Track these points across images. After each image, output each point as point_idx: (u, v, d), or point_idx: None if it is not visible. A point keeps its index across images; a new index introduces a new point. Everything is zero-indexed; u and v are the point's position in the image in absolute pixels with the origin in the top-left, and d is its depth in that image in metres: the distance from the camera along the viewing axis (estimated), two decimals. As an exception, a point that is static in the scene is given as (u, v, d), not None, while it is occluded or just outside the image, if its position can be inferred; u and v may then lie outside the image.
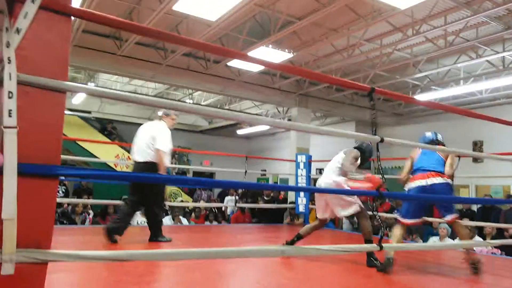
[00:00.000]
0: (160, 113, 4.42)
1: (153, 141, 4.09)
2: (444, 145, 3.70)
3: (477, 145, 10.22)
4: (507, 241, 4.97)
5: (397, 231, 3.52)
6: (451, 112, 3.63)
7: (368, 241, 3.56)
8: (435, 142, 3.73)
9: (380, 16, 6.14)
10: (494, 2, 5.76)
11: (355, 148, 3.94)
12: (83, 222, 6.72)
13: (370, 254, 3.47)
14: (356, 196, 3.67)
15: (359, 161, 3.87)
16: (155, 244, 4.11)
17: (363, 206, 3.66)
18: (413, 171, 3.60)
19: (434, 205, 3.63)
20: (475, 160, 9.80)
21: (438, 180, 3.39)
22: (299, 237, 3.95)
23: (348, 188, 3.64)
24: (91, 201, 7.34)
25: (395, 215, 4.18)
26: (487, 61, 8.10)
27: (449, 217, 3.41)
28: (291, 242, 3.94)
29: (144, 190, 4.09)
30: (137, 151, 4.22)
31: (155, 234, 4.22)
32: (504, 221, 6.89)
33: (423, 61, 8.42)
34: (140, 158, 4.15)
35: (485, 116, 3.23)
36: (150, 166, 4.06)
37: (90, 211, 7.05)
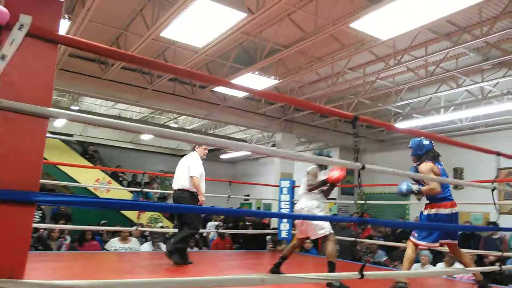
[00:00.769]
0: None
1: (188, 170, 4.63)
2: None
3: (458, 172, 10.40)
4: (486, 268, 5.00)
5: (410, 251, 3.62)
6: (431, 139, 3.70)
7: (331, 263, 3.67)
8: (435, 153, 3.75)
9: (363, 46, 6.31)
10: (473, 35, 5.99)
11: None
12: (59, 248, 6.53)
13: (331, 269, 3.64)
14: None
15: (319, 172, 4.06)
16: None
17: (332, 231, 3.82)
18: (441, 197, 3.62)
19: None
20: (456, 187, 9.94)
21: (457, 209, 3.62)
22: (284, 259, 4.07)
23: (319, 211, 3.91)
24: (68, 226, 7.14)
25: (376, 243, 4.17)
26: (466, 90, 8.35)
27: (455, 241, 3.64)
28: (278, 265, 4.02)
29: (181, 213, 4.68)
30: (175, 180, 4.79)
31: (176, 256, 4.43)
32: (483, 248, 6.95)
33: (405, 90, 8.63)
34: (175, 186, 4.72)
35: (465, 144, 3.32)
36: (183, 193, 4.59)
37: (67, 237, 6.86)
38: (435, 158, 3.70)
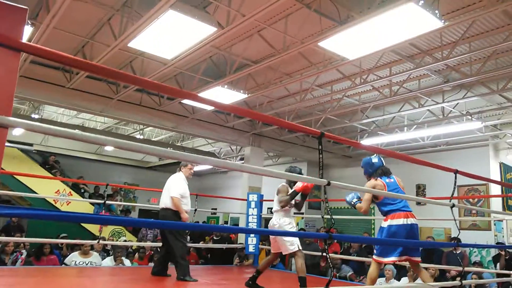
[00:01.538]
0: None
1: (169, 190, 4.79)
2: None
3: (420, 189, 10.72)
4: (447, 283, 5.13)
5: (372, 271, 3.65)
6: (391, 157, 3.81)
7: (302, 278, 3.81)
8: (384, 169, 3.86)
9: (331, 65, 6.45)
10: (434, 58, 6.25)
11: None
12: (14, 263, 6.19)
13: (302, 284, 3.75)
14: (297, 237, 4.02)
15: (289, 189, 4.14)
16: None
17: (301, 247, 3.95)
18: (392, 209, 3.66)
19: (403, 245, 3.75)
20: (419, 203, 10.23)
21: (414, 220, 3.65)
22: (258, 273, 4.22)
23: (290, 228, 4.06)
24: (24, 239, 6.80)
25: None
26: (428, 110, 8.66)
27: (418, 258, 3.63)
28: (253, 279, 4.16)
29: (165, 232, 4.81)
30: (160, 199, 4.94)
31: (182, 274, 4.52)
32: (445, 263, 7.14)
33: (370, 108, 8.86)
34: (160, 205, 4.88)
35: (426, 162, 3.43)
36: (166, 211, 4.72)
37: (23, 251, 6.52)
38: (384, 174, 3.82)
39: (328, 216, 3.21)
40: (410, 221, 3.61)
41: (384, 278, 6.01)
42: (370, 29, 4.77)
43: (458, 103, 8.02)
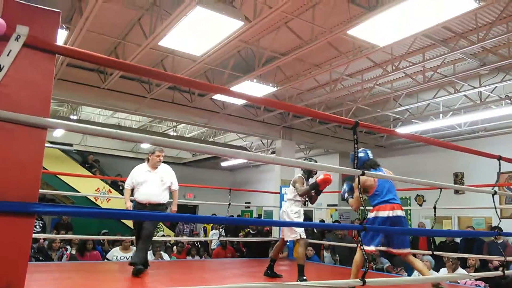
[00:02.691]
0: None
1: None
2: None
3: (458, 177, 10.37)
4: (489, 273, 4.96)
5: (357, 257, 3.65)
6: (431, 144, 3.73)
7: (300, 266, 4.00)
8: (371, 162, 3.81)
9: (361, 53, 6.32)
10: (469, 40, 6.01)
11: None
12: (60, 259, 6.49)
13: (300, 273, 3.92)
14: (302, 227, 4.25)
15: (305, 180, 4.39)
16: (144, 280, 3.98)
17: (304, 236, 4.16)
18: (380, 201, 3.64)
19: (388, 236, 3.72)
20: (457, 192, 9.93)
21: (401, 212, 3.64)
22: (273, 261, 4.53)
23: (296, 217, 4.28)
24: (68, 236, 7.11)
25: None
26: (465, 95, 8.35)
27: (403, 251, 3.62)
28: (270, 268, 4.48)
29: None
30: None
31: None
32: (487, 253, 6.90)
33: (403, 96, 8.63)
34: None
35: (468, 148, 3.32)
36: None
37: (69, 247, 6.81)
38: (372, 167, 3.76)
39: (362, 207, 3.18)
40: (396, 213, 3.60)
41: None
42: (400, 13, 4.63)
43: (496, 87, 7.67)
